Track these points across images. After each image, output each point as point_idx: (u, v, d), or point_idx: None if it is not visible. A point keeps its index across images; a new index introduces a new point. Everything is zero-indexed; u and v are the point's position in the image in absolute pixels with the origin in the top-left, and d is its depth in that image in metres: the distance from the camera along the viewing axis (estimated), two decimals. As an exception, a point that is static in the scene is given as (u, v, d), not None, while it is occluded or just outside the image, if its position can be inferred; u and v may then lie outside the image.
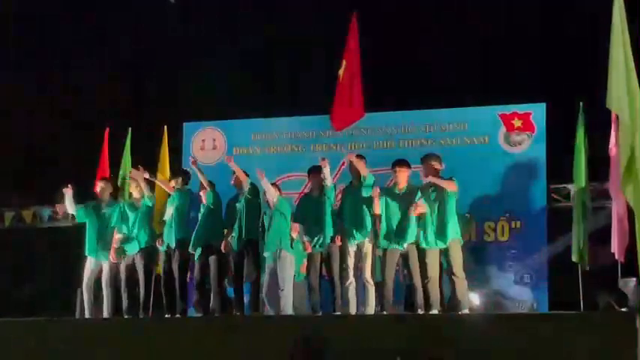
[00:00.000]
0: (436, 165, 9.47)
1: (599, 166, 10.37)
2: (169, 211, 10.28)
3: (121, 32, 15.29)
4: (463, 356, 7.82)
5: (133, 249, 10.39)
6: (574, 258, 10.47)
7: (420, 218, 9.32)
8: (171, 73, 14.92)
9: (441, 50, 13.95)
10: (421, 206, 9.29)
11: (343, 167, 11.72)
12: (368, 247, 9.51)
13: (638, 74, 7.07)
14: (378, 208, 9.40)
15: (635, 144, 6.31)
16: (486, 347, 7.85)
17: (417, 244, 9.33)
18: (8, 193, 14.42)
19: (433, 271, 9.31)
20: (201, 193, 10.14)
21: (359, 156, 9.93)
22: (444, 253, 9.35)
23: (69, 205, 10.69)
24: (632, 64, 6.28)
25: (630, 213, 8.30)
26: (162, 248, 10.33)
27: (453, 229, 9.31)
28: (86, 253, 10.54)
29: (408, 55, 13.97)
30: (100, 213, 10.61)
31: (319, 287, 9.87)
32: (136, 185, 10.53)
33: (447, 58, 13.97)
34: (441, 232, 9.28)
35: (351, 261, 9.53)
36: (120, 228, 10.48)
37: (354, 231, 9.54)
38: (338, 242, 9.69)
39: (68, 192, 10.66)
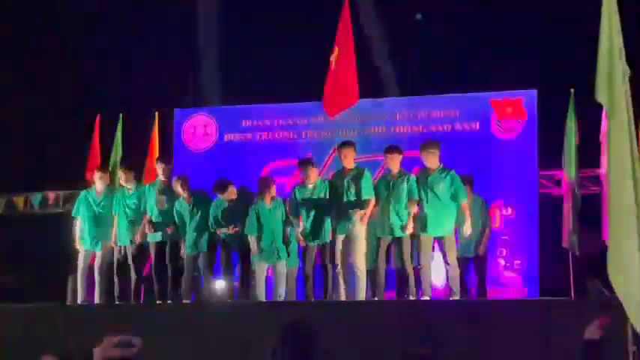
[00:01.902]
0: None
1: (591, 153, 10.42)
2: (161, 202, 10.24)
3: (113, 19, 15.26)
4: (454, 342, 7.86)
5: (126, 237, 10.37)
6: (564, 244, 10.51)
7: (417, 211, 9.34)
8: (162, 59, 14.89)
9: (433, 36, 13.96)
10: (413, 205, 9.31)
11: (334, 154, 11.71)
12: (358, 234, 9.47)
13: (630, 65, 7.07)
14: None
15: (610, 131, 6.33)
16: (477, 333, 7.88)
17: (412, 234, 9.37)
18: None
19: (426, 258, 9.33)
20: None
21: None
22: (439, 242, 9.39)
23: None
24: (617, 56, 6.28)
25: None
26: (150, 238, 10.28)
27: (451, 220, 9.33)
28: (80, 243, 10.50)
29: (399, 41, 13.97)
30: (95, 202, 10.56)
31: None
32: (123, 175, 10.46)
33: (438, 44, 13.98)
34: (441, 222, 9.30)
35: (338, 249, 9.51)
36: (120, 214, 10.43)
37: (345, 220, 9.51)
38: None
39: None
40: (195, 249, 10.02)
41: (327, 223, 9.59)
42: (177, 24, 15.21)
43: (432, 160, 9.40)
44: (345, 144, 9.80)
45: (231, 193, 10.06)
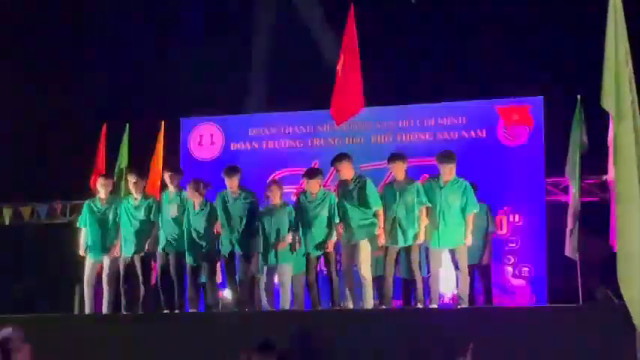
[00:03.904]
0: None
1: (598, 160, 10.38)
2: (170, 211, 10.21)
3: (119, 27, 15.30)
4: (462, 350, 7.83)
5: (131, 247, 10.34)
6: (566, 252, 10.47)
7: (427, 219, 9.31)
8: (170, 68, 14.91)
9: (440, 44, 13.96)
10: (425, 212, 9.29)
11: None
12: (364, 243, 9.43)
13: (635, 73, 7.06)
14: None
15: (617, 138, 6.32)
16: (485, 340, 7.85)
17: (421, 244, 9.35)
18: (6, 189, 14.38)
19: (435, 266, 9.30)
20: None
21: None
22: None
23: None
24: (624, 62, 6.28)
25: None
26: (160, 247, 10.26)
27: (462, 234, 9.27)
28: (87, 253, 10.49)
29: (406, 48, 13.98)
30: (100, 211, 10.54)
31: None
32: (134, 183, 10.43)
33: (445, 51, 13.98)
34: (453, 234, 9.26)
35: (350, 259, 9.48)
36: (126, 224, 10.41)
37: (357, 230, 9.45)
38: (331, 245, 9.59)
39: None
40: (199, 257, 9.98)
41: (329, 233, 9.58)
42: (183, 31, 15.26)
43: (449, 172, 9.29)
44: (337, 159, 9.59)
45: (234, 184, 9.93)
